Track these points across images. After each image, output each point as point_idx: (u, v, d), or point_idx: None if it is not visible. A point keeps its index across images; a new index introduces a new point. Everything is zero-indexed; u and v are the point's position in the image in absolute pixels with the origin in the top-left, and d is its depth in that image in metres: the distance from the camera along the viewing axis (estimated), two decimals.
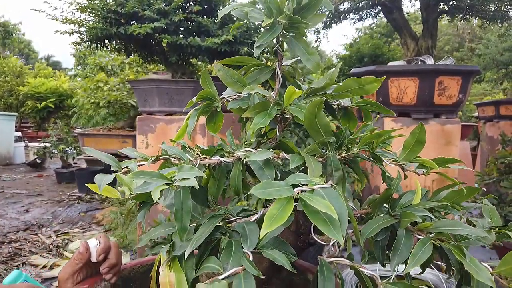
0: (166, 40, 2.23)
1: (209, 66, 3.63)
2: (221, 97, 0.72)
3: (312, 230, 0.70)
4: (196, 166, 0.60)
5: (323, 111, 0.61)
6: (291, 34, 0.70)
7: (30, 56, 21.72)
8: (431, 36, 2.46)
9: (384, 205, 0.64)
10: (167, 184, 0.54)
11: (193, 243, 0.52)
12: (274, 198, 0.66)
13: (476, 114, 4.93)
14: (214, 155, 0.64)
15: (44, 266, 2.43)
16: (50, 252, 2.69)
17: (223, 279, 0.47)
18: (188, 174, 0.51)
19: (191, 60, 2.78)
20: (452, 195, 0.65)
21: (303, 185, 0.50)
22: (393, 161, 0.62)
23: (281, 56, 0.73)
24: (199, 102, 0.73)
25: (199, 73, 2.94)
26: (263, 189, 0.46)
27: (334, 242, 0.62)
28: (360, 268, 0.52)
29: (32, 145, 6.74)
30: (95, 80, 4.51)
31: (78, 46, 2.45)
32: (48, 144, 5.74)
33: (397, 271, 0.60)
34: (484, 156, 4.11)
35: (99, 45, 2.46)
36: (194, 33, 2.40)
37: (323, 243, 0.66)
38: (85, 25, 2.30)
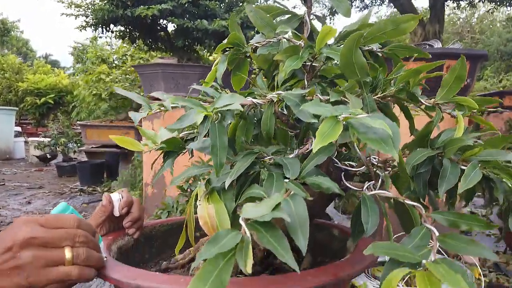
0: (173, 23, 2.22)
1: (211, 57, 3.61)
2: (249, 43, 0.70)
3: (342, 177, 0.68)
4: None
5: None
6: None
7: (28, 55, 21.63)
8: (439, 21, 2.45)
9: (419, 149, 0.62)
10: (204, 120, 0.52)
11: (233, 174, 0.51)
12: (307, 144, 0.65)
13: None
14: (246, 97, 0.63)
15: None
16: None
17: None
18: (230, 100, 0.50)
19: (196, 47, 2.77)
20: (486, 141, 0.64)
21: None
22: (430, 100, 0.61)
23: (311, 2, 0.71)
24: (227, 49, 0.71)
25: (204, 60, 2.93)
26: (314, 106, 0.45)
27: (369, 184, 0.61)
28: (405, 201, 0.51)
29: (32, 140, 6.70)
30: (97, 72, 4.49)
31: (81, 36, 2.43)
32: (48, 139, 5.71)
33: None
34: None
35: (104, 30, 2.44)
36: (201, 18, 2.38)
37: (356, 188, 0.65)
38: (90, 9, 2.28)
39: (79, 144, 5.54)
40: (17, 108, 8.21)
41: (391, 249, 0.43)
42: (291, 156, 0.57)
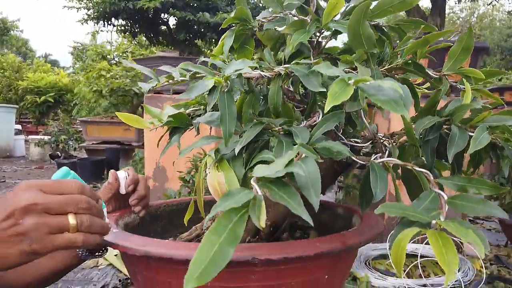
0: (174, 16, 2.22)
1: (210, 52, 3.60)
2: (256, 18, 0.71)
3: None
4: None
5: None
6: None
7: (28, 54, 21.55)
8: (440, 14, 2.46)
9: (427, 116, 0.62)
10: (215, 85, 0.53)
11: (243, 141, 0.51)
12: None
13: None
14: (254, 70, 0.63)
15: None
16: None
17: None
18: (240, 65, 0.50)
19: (197, 41, 2.77)
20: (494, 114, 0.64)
21: None
22: (436, 72, 0.61)
23: None
24: (233, 25, 0.71)
25: (205, 55, 2.93)
26: (326, 68, 0.45)
27: (377, 156, 0.61)
28: (413, 167, 0.51)
29: (32, 137, 6.69)
30: (98, 68, 4.49)
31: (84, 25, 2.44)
32: (48, 137, 5.69)
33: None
34: None
35: (105, 23, 2.44)
36: (203, 11, 2.39)
37: (362, 162, 0.65)
38: (92, 1, 2.28)
39: (79, 142, 5.54)
40: (17, 106, 8.19)
41: (401, 209, 0.43)
42: (300, 126, 0.57)
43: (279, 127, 0.59)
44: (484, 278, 1.77)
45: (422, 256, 1.99)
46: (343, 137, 0.70)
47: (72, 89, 7.83)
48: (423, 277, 1.85)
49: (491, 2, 3.49)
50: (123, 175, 0.76)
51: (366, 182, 0.52)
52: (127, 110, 4.67)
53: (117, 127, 4.22)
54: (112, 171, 0.76)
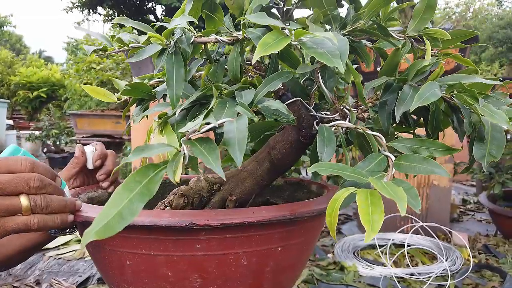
0: (160, 3, 2.19)
1: None
2: None
3: (314, 124, 0.66)
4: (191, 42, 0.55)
5: None
6: None
7: (22, 51, 21.38)
8: None
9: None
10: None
11: (185, 103, 0.48)
12: None
13: None
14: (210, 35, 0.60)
15: None
16: None
17: (216, 128, 0.43)
18: (181, 19, 0.47)
19: None
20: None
21: None
22: (401, 33, 0.58)
23: None
24: None
25: None
26: (259, 17, 0.43)
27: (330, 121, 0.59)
28: (366, 131, 0.48)
29: (23, 133, 6.64)
30: (88, 61, 4.44)
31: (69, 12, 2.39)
32: (38, 132, 5.64)
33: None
34: None
35: (91, 11, 2.40)
36: None
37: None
38: None
39: (70, 136, 5.50)
40: (9, 100, 8.11)
41: (337, 169, 0.40)
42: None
43: (228, 88, 0.56)
44: (471, 267, 1.76)
45: (409, 246, 1.98)
46: (312, 110, 0.67)
47: (64, 83, 7.77)
48: (410, 266, 1.84)
49: None
50: (91, 149, 0.73)
51: (315, 147, 0.49)
52: (117, 104, 4.63)
53: (108, 120, 4.18)
54: (78, 145, 0.73)
